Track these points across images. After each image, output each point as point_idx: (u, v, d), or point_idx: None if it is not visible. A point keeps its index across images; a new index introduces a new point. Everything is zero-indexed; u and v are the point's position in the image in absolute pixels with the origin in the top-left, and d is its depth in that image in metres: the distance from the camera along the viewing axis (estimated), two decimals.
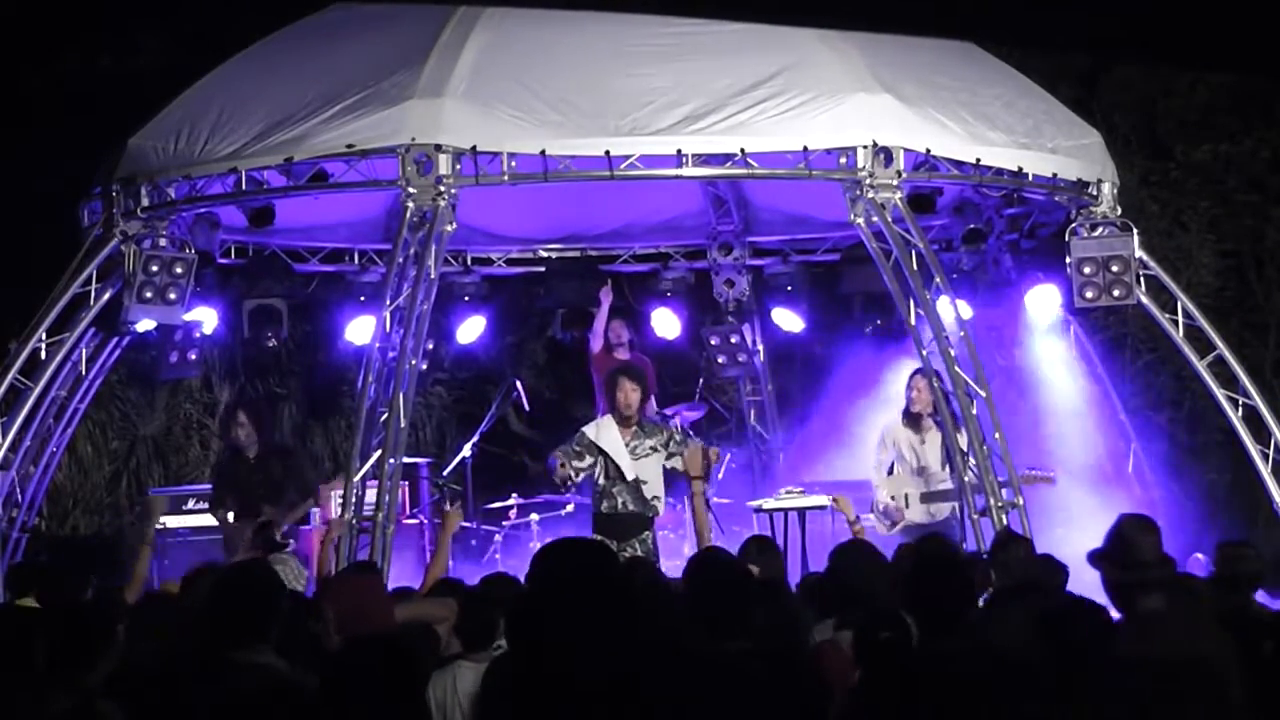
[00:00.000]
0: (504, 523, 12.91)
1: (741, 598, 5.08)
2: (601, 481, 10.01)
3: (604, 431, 10.10)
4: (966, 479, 10.16)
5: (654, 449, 10.05)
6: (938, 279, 10.29)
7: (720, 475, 13.38)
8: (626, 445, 10.00)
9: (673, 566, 10.32)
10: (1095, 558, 5.32)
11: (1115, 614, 5.34)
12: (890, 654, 5.40)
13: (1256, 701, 5.11)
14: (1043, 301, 11.72)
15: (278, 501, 10.97)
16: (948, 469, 10.70)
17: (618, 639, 4.30)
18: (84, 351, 11.22)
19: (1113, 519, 5.49)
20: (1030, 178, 10.73)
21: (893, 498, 11.10)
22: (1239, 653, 5.19)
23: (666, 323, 13.50)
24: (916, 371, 10.84)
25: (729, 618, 4.99)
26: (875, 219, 10.16)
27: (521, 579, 6.04)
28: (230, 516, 11.03)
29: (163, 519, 11.97)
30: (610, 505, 10.00)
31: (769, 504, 12.10)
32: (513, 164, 9.89)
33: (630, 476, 9.95)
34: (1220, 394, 11.43)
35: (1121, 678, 4.92)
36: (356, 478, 9.60)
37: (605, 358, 12.61)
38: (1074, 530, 9.91)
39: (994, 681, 4.62)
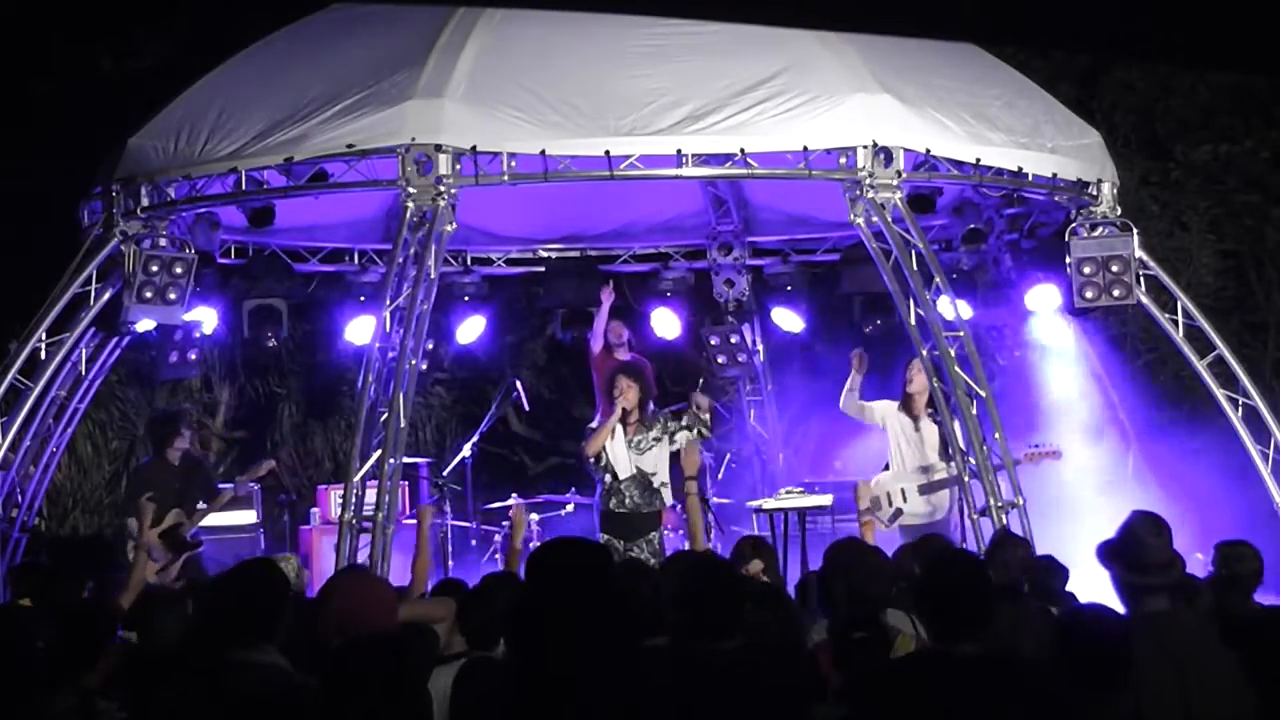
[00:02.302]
0: (504, 523, 12.91)
1: (729, 595, 5.06)
2: (608, 479, 10.10)
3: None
4: (966, 479, 10.15)
5: (657, 439, 10.20)
6: (938, 279, 10.28)
7: (720, 475, 13.41)
8: (630, 441, 10.10)
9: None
10: (1105, 556, 5.31)
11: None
12: (867, 655, 5.39)
13: (1258, 700, 5.11)
14: (1043, 301, 11.71)
15: (185, 505, 11.15)
16: (945, 461, 10.70)
17: (614, 638, 4.30)
18: (84, 351, 11.22)
19: (1113, 517, 5.49)
20: (1030, 178, 10.72)
21: (888, 494, 11.06)
22: (1240, 652, 5.19)
23: (666, 323, 13.50)
24: (913, 357, 10.82)
25: (718, 616, 4.97)
26: (875, 219, 10.16)
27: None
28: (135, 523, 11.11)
29: None
30: (618, 502, 10.10)
31: (769, 504, 12.10)
32: (513, 164, 9.88)
33: (624, 475, 10.04)
34: (1220, 394, 11.43)
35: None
36: (356, 478, 9.60)
37: (605, 358, 12.62)
38: (1078, 529, 9.92)
39: (1012, 687, 4.62)
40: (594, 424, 10.39)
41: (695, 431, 10.41)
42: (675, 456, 10.56)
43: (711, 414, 11.37)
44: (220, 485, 11.87)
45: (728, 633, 4.94)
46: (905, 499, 10.98)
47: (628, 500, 10.09)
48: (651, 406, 12.00)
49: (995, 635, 4.95)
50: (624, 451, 10.11)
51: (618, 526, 10.01)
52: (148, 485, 11.27)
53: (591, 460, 10.23)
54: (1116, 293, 11.08)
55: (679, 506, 11.87)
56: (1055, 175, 10.82)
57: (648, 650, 5.35)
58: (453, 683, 4.89)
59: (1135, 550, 5.21)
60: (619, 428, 10.17)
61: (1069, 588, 7.51)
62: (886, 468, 11.24)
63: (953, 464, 10.42)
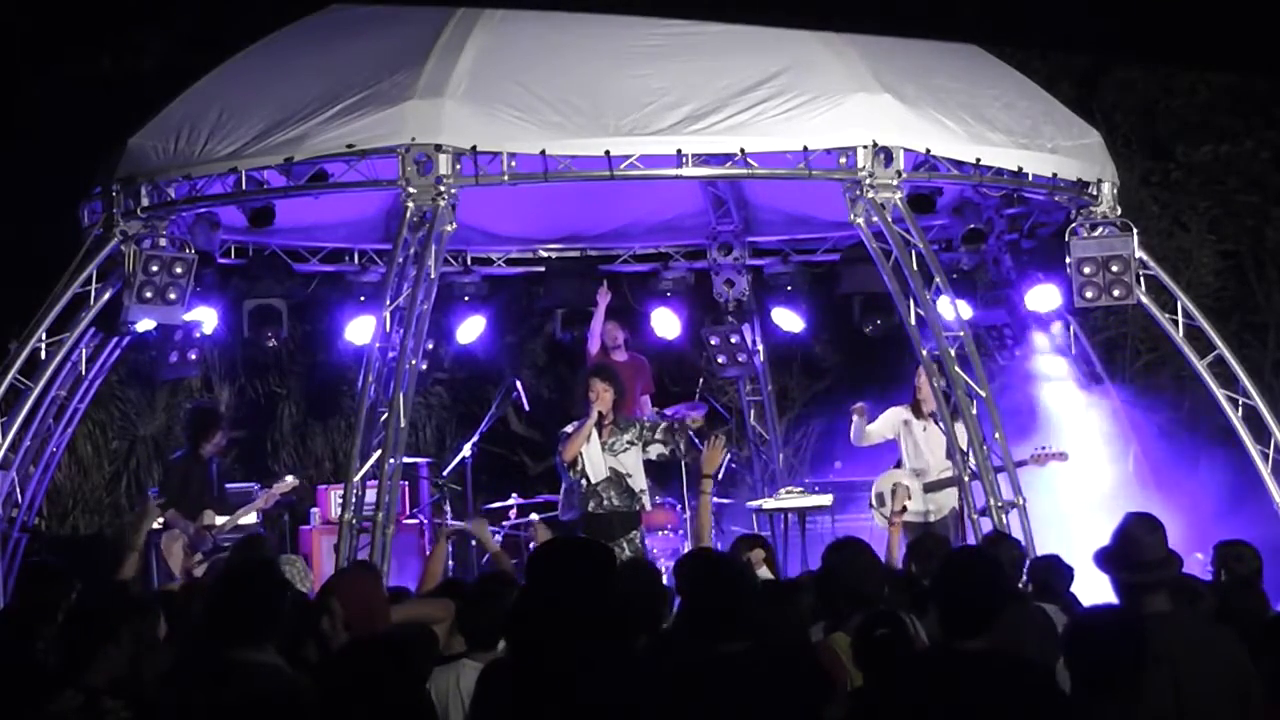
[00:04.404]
0: (504, 523, 12.91)
1: (736, 596, 5.05)
2: (583, 483, 10.07)
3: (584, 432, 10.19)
4: (966, 479, 10.16)
5: (631, 443, 10.15)
6: (938, 279, 10.29)
7: (720, 475, 13.41)
8: (604, 443, 10.07)
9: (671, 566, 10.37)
10: (1103, 560, 5.31)
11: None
12: (889, 653, 5.41)
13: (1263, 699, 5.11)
14: (1043, 301, 11.71)
15: (215, 506, 11.28)
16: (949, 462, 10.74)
17: (614, 638, 4.30)
18: (84, 351, 11.21)
19: (1111, 518, 5.49)
20: (1030, 178, 10.72)
21: (893, 492, 11.11)
22: (1243, 652, 5.19)
23: (666, 323, 13.50)
24: (919, 365, 10.86)
25: (724, 617, 4.96)
26: (875, 219, 10.16)
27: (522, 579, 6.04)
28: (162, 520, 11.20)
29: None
30: (597, 504, 10.07)
31: (769, 504, 12.13)
32: (513, 164, 9.88)
33: (597, 477, 10.01)
34: (1220, 394, 11.43)
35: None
36: (356, 478, 9.60)
37: (602, 359, 12.62)
38: (1077, 530, 9.93)
39: (1019, 684, 4.63)
40: (569, 428, 10.32)
41: (670, 450, 10.36)
42: (649, 463, 10.55)
43: (708, 424, 11.29)
44: (230, 488, 11.99)
45: (731, 633, 4.92)
46: (910, 497, 11.06)
47: (605, 502, 10.07)
48: (648, 405, 12.02)
49: (999, 634, 4.96)
50: (598, 453, 10.08)
51: (597, 528, 9.97)
52: (188, 479, 11.32)
53: (568, 464, 10.19)
54: (1116, 293, 11.08)
55: (678, 506, 11.90)
56: (1055, 175, 10.82)
57: (650, 651, 5.36)
58: (476, 684, 4.89)
59: (1131, 549, 5.21)
60: (593, 431, 10.12)
61: (1072, 589, 7.51)
62: (898, 465, 11.34)
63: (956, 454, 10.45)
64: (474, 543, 12.97)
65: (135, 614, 6.41)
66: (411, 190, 9.87)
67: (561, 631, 4.25)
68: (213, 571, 10.75)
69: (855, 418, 11.38)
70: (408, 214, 9.91)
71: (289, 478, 12.20)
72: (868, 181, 10.10)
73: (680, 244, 13.63)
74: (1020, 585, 7.47)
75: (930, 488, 11.02)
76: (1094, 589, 5.97)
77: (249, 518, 12.34)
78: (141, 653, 5.68)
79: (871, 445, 11.62)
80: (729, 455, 13.87)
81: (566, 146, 9.82)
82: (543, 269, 13.47)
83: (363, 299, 12.43)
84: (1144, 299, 11.33)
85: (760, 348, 13.95)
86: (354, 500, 9.55)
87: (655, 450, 10.31)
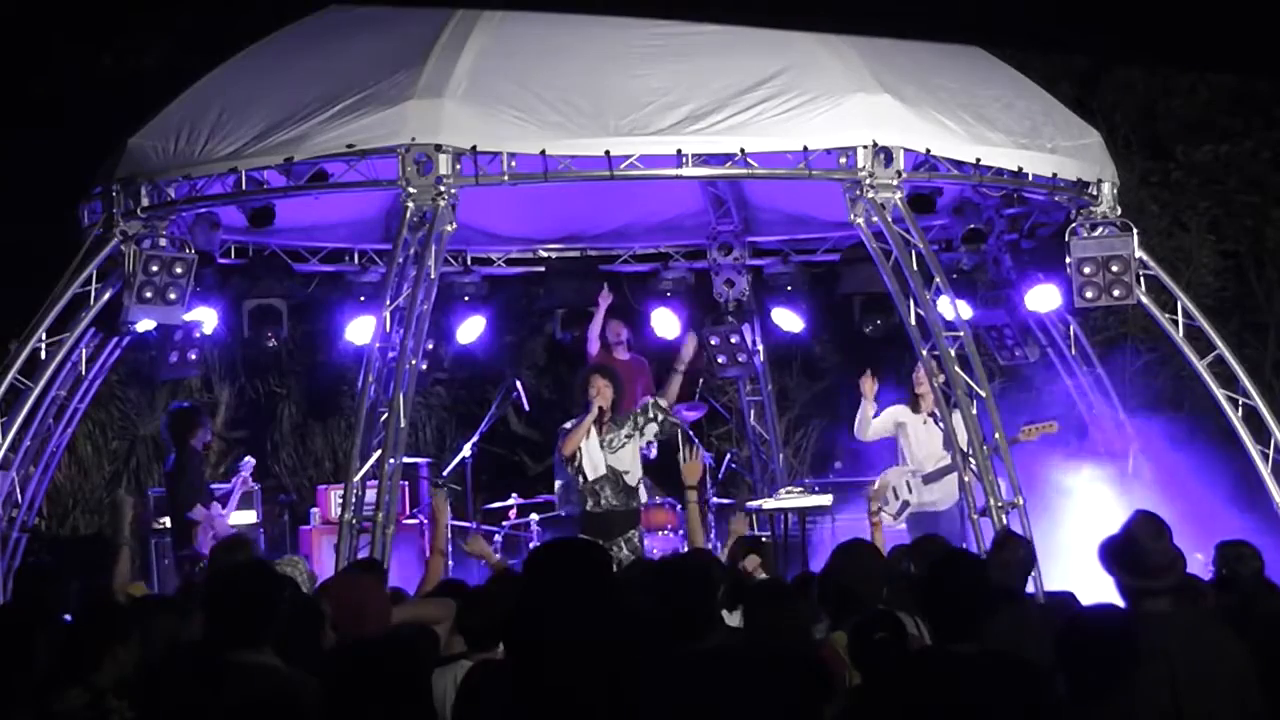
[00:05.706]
0: (504, 523, 12.91)
1: (710, 596, 5.04)
2: (580, 480, 10.10)
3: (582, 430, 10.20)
4: (968, 479, 10.17)
5: (628, 436, 10.18)
6: (938, 279, 10.28)
7: (710, 479, 13.41)
8: (603, 440, 10.09)
9: None
10: (1106, 560, 5.29)
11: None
12: (886, 654, 5.41)
13: (1266, 700, 5.11)
14: (1043, 301, 11.71)
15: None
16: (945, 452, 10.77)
17: (612, 638, 4.30)
18: (84, 351, 11.21)
19: (1110, 518, 5.48)
20: (1030, 178, 10.72)
21: (893, 488, 11.18)
22: (1244, 651, 5.19)
23: (666, 323, 13.49)
24: (919, 363, 10.88)
25: (698, 616, 4.95)
26: (875, 219, 10.16)
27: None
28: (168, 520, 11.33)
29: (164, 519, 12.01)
30: (595, 503, 10.10)
31: (769, 504, 12.13)
32: (513, 164, 9.88)
33: (594, 474, 10.04)
34: (1220, 394, 11.43)
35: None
36: (356, 478, 9.60)
37: (604, 358, 12.62)
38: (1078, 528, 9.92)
39: (1010, 685, 4.63)
40: (569, 424, 10.36)
41: (660, 425, 10.36)
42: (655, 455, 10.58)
43: (697, 360, 11.25)
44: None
45: (705, 631, 4.91)
46: (911, 490, 11.11)
47: (603, 500, 10.10)
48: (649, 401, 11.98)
49: (996, 635, 4.96)
50: (597, 451, 10.11)
51: (596, 527, 10.00)
52: (199, 474, 11.44)
53: (566, 460, 10.23)
54: (1116, 293, 11.08)
55: (677, 506, 11.91)
56: (1055, 175, 10.81)
57: (648, 650, 5.35)
58: (460, 685, 4.89)
59: (1136, 554, 5.20)
60: (592, 428, 10.14)
61: (1067, 585, 7.52)
62: (899, 459, 11.39)
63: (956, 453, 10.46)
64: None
65: (145, 614, 6.44)
66: (411, 190, 9.87)
67: (559, 631, 4.25)
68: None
69: (865, 400, 11.37)
70: (408, 214, 9.91)
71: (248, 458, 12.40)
72: (868, 181, 10.10)
73: (680, 244, 13.62)
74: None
75: (930, 478, 11.08)
76: (1093, 582, 5.95)
77: (250, 517, 12.38)
78: (152, 652, 5.69)
79: (871, 442, 11.65)
80: (729, 456, 13.89)
81: (566, 146, 9.82)
82: (543, 269, 13.46)
83: (363, 299, 12.42)
84: (1144, 299, 11.33)
85: (760, 348, 13.95)
86: (354, 500, 9.54)
87: (652, 430, 10.32)
